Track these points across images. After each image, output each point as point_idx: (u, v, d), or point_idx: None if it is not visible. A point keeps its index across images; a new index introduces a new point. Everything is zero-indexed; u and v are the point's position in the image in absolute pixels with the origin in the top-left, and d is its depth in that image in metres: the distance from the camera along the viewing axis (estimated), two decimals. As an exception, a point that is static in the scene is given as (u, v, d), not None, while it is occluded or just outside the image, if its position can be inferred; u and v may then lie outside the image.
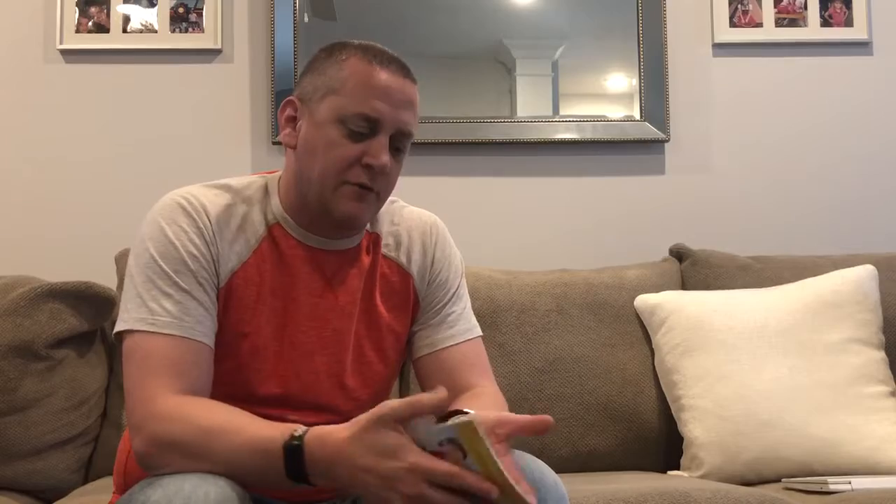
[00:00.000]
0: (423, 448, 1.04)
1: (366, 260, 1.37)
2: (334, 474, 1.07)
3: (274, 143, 2.39)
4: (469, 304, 1.46)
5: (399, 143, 1.30)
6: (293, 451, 1.08)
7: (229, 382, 1.28)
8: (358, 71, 1.27)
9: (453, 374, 1.37)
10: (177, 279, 1.23)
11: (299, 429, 1.09)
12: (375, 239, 1.39)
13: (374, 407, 1.38)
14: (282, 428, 1.10)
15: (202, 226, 1.26)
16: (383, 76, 1.27)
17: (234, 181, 1.35)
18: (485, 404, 1.28)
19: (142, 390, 1.18)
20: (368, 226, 1.39)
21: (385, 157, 1.26)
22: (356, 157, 1.26)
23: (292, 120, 1.33)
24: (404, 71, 1.30)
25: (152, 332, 1.20)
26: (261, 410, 1.25)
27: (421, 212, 1.46)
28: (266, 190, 1.35)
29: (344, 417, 1.33)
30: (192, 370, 1.20)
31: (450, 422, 1.02)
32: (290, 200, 1.32)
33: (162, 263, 1.23)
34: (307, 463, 1.08)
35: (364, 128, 1.26)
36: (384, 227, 1.41)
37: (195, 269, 1.24)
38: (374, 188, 1.28)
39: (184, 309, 1.22)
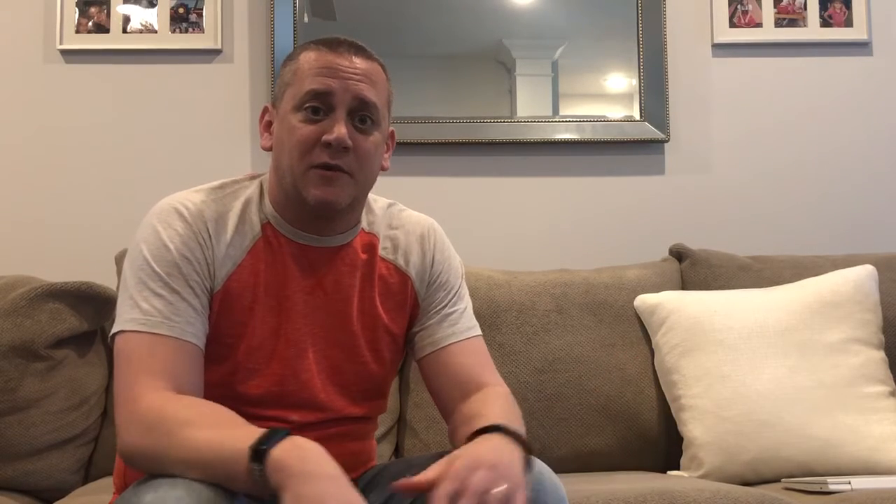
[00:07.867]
0: None
1: (361, 259, 1.37)
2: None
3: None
4: (470, 306, 1.46)
5: (362, 113, 1.29)
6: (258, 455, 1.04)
7: (226, 384, 1.28)
8: (307, 59, 1.30)
9: (462, 370, 1.37)
10: (168, 280, 1.23)
11: (267, 436, 1.06)
12: (373, 240, 1.39)
13: (368, 405, 1.39)
14: (250, 432, 1.07)
15: (198, 230, 1.27)
16: (330, 56, 1.29)
17: (230, 183, 1.36)
18: (502, 408, 1.28)
19: (127, 390, 1.18)
20: (366, 226, 1.39)
21: (340, 130, 1.26)
22: (315, 138, 1.27)
23: (269, 125, 1.36)
24: (356, 49, 1.31)
25: (142, 332, 1.20)
26: (257, 411, 1.26)
27: (419, 215, 1.46)
28: (261, 189, 1.36)
29: (338, 415, 1.33)
30: (179, 369, 1.20)
31: None
32: (276, 199, 1.33)
33: (154, 265, 1.23)
34: (270, 478, 1.03)
35: (316, 103, 1.27)
36: (382, 230, 1.41)
37: (187, 272, 1.24)
38: (344, 167, 1.27)
39: (174, 309, 1.22)
